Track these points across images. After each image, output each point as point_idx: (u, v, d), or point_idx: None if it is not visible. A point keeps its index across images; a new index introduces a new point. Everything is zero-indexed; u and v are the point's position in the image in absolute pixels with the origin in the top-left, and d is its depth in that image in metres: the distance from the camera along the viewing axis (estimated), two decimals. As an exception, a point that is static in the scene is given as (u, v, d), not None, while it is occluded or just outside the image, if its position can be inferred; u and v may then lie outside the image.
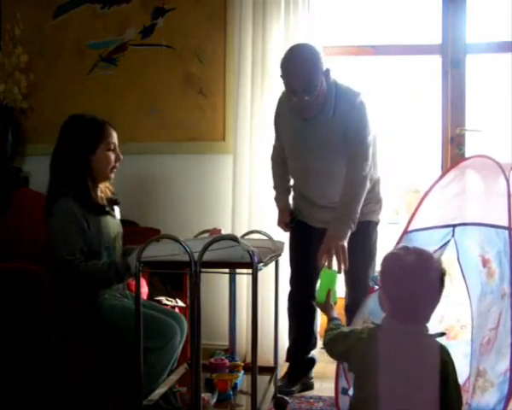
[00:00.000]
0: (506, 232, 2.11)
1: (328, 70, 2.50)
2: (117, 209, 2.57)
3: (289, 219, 2.83)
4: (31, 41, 3.49)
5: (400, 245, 1.86)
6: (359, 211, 2.50)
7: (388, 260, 1.78)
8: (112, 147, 2.46)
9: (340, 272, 2.37)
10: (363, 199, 2.52)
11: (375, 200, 2.74)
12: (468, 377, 2.27)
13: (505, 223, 2.12)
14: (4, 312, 2.32)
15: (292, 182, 2.87)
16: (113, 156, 2.46)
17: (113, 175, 2.49)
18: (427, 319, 1.72)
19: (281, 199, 2.87)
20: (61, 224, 2.31)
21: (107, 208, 2.47)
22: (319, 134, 2.56)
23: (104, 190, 2.53)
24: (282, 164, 2.84)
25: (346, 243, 2.42)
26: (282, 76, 2.54)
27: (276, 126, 2.79)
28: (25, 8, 3.52)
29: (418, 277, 1.68)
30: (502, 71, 3.30)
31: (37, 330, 2.31)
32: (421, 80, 3.55)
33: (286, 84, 2.53)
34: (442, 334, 1.72)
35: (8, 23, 3.45)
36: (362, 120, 2.52)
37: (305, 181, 2.73)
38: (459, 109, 3.31)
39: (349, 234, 2.45)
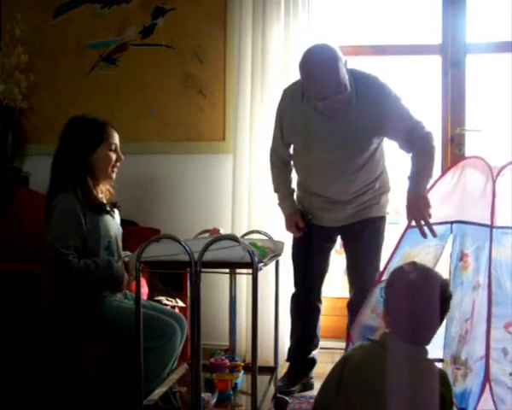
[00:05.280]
0: (487, 230, 2.17)
1: (346, 61, 2.43)
2: (117, 213, 2.58)
3: (303, 224, 2.70)
4: (31, 41, 3.49)
5: (411, 261, 1.86)
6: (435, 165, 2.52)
7: (395, 274, 1.76)
8: (113, 147, 2.49)
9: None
10: (435, 152, 2.53)
11: (387, 189, 2.74)
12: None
13: (488, 221, 2.19)
14: (3, 312, 2.32)
15: (296, 183, 2.80)
16: (114, 156, 2.49)
17: (114, 175, 2.52)
18: (428, 342, 1.70)
19: (289, 202, 2.76)
20: (58, 217, 2.32)
21: (108, 208, 2.48)
22: (342, 123, 2.48)
23: (105, 191, 2.54)
24: (282, 167, 2.77)
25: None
26: (303, 83, 2.45)
27: (279, 124, 2.67)
28: (25, 9, 3.52)
29: (421, 298, 1.66)
30: (502, 71, 3.29)
31: (35, 329, 2.31)
32: (421, 80, 3.55)
33: (315, 93, 2.40)
34: (440, 360, 1.72)
35: (8, 23, 3.45)
36: (393, 98, 2.49)
37: (321, 177, 2.61)
38: (459, 109, 3.31)
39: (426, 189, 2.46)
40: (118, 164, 2.52)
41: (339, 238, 2.85)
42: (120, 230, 2.56)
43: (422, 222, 2.39)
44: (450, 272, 2.40)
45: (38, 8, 3.54)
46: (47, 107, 3.54)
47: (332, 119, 2.49)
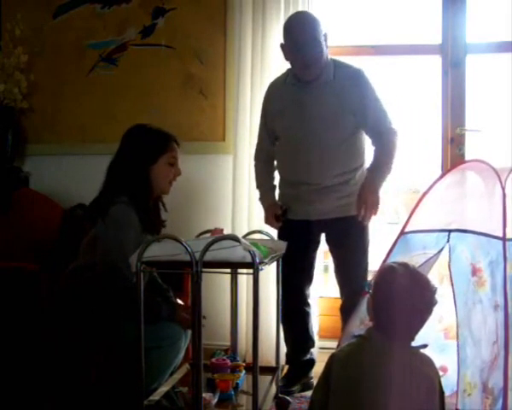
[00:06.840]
0: (500, 243, 2.05)
1: (326, 34, 2.61)
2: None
3: (280, 212, 2.75)
4: (31, 41, 3.49)
5: (401, 261, 1.85)
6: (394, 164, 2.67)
7: (385, 272, 1.78)
8: (173, 161, 2.46)
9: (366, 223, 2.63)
10: (397, 152, 2.67)
11: None
12: (457, 385, 2.26)
13: (499, 233, 2.06)
14: (2, 311, 2.33)
15: (278, 182, 2.85)
16: (172, 170, 2.46)
17: (169, 190, 2.50)
18: (410, 339, 1.72)
19: (268, 196, 2.84)
20: (122, 229, 2.27)
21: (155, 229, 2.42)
22: (320, 96, 2.63)
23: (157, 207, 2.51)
24: (266, 162, 2.87)
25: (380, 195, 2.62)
26: (284, 42, 2.63)
27: (263, 113, 2.83)
28: (25, 9, 3.52)
29: (409, 299, 1.68)
30: (502, 71, 3.30)
31: (35, 329, 2.31)
32: (421, 80, 3.55)
33: (290, 43, 2.59)
34: (424, 346, 1.72)
35: (8, 23, 3.45)
36: (370, 87, 2.68)
37: (303, 156, 2.65)
38: (459, 109, 3.31)
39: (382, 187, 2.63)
40: (175, 179, 2.50)
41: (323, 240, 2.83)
42: None
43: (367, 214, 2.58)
44: (452, 286, 2.31)
45: (38, 8, 3.54)
46: (47, 107, 3.54)
47: (308, 85, 2.63)
